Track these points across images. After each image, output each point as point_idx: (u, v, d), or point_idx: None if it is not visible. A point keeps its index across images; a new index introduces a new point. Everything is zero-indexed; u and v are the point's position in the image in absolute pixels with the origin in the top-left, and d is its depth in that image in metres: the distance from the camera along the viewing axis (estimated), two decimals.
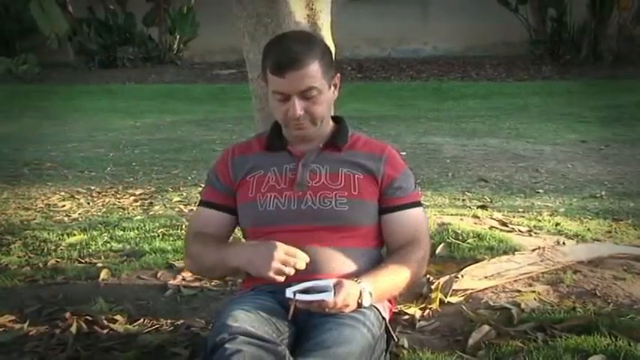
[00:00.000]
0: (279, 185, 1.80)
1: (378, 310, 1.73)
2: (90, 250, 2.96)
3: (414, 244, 1.82)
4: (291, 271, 1.64)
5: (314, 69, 1.72)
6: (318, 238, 1.75)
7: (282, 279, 1.64)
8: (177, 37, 12.81)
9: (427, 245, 1.87)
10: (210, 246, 1.81)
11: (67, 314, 2.19)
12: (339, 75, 1.85)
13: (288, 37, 1.81)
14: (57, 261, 2.82)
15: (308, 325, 1.65)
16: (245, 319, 1.55)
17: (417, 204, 1.87)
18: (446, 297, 2.20)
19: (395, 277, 1.76)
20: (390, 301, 1.87)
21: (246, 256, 1.71)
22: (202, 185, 2.05)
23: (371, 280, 1.69)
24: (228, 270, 1.80)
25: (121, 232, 3.23)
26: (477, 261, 2.46)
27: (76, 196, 4.32)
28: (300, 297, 1.60)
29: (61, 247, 3.01)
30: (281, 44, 1.76)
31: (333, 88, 1.82)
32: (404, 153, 5.35)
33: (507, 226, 3.12)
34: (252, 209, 1.82)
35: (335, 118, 1.91)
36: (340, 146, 1.85)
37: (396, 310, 2.09)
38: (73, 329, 2.08)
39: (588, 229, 3.22)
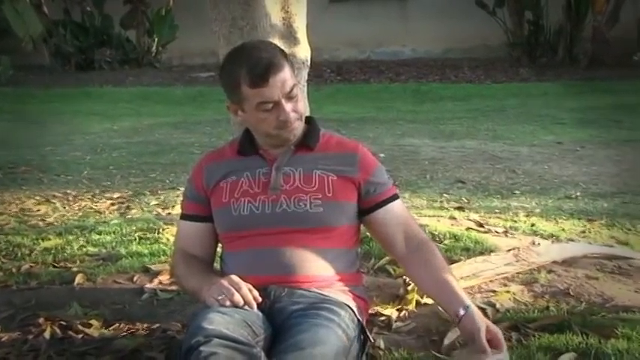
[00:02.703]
0: (253, 189, 1.81)
1: (353, 311, 1.74)
2: (65, 255, 2.92)
3: (418, 238, 1.85)
4: (224, 301, 1.62)
5: (288, 68, 1.78)
6: (293, 240, 1.76)
7: (216, 304, 1.63)
8: (156, 39, 12.74)
9: (421, 230, 1.92)
10: (193, 271, 1.83)
11: (41, 319, 2.16)
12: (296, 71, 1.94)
13: (247, 49, 1.81)
14: (31, 266, 2.78)
15: (284, 326, 1.66)
16: (220, 321, 1.54)
17: (397, 196, 1.90)
18: (422, 298, 2.21)
19: (451, 272, 1.82)
20: (365, 302, 1.88)
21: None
22: (180, 188, 2.06)
23: (463, 295, 1.72)
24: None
25: (97, 236, 3.19)
26: (453, 262, 2.47)
27: (52, 200, 4.28)
28: None
29: (36, 252, 2.97)
30: (248, 59, 1.75)
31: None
32: (382, 155, 5.37)
33: (484, 227, 3.15)
34: (226, 214, 1.82)
35: (305, 119, 1.92)
36: (312, 147, 1.86)
37: (373, 312, 2.11)
38: (47, 334, 2.06)
39: (563, 230, 3.26)
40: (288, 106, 1.76)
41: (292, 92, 1.76)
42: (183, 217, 1.94)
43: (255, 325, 1.62)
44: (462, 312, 1.67)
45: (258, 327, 1.62)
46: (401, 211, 1.88)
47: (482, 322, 1.63)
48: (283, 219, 1.77)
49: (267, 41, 1.95)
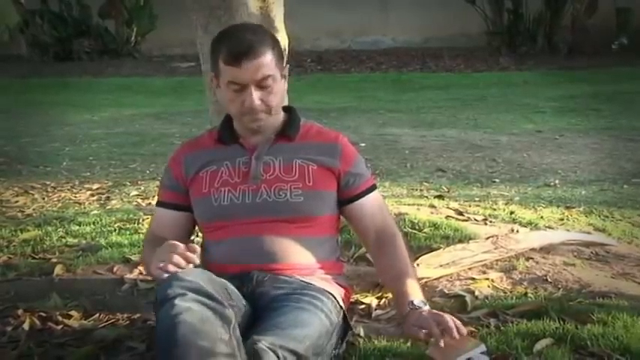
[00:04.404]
0: (233, 179, 1.80)
1: (335, 298, 1.75)
2: (44, 246, 2.90)
3: (389, 231, 1.86)
4: (166, 267, 1.55)
5: (268, 58, 1.74)
6: (274, 229, 1.76)
7: (162, 274, 1.55)
8: (135, 29, 12.61)
9: (394, 224, 1.92)
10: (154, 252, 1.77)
11: (20, 311, 2.14)
12: (288, 66, 1.87)
13: (239, 28, 1.82)
14: (10, 257, 2.76)
15: (266, 309, 1.65)
16: (198, 274, 1.53)
17: (374, 187, 1.91)
18: None
19: (412, 269, 1.84)
20: (346, 290, 1.89)
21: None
22: (161, 179, 2.04)
23: (415, 293, 1.73)
24: None
25: (77, 227, 3.17)
26: (432, 250, 2.50)
27: (31, 192, 4.25)
28: None
29: (14, 244, 2.94)
30: (233, 35, 1.76)
31: (283, 78, 1.83)
32: (363, 144, 5.39)
33: (463, 215, 3.16)
34: (206, 204, 1.82)
35: (285, 108, 1.92)
36: (292, 137, 1.86)
37: (353, 300, 2.12)
38: (26, 326, 2.04)
39: (541, 217, 3.28)
40: (255, 94, 1.73)
41: (265, 82, 1.74)
42: (160, 204, 1.93)
43: (233, 292, 1.61)
44: (407, 309, 1.70)
45: (236, 296, 1.61)
46: (377, 205, 1.89)
47: (428, 320, 1.63)
48: (264, 209, 1.77)
49: (263, 27, 1.90)
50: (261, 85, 1.74)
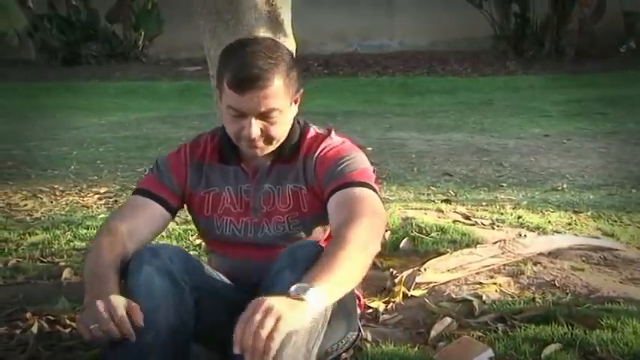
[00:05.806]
0: (235, 209, 1.76)
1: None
2: (52, 249, 2.92)
3: (352, 215, 1.54)
4: (97, 332, 1.37)
5: (278, 88, 1.58)
6: (274, 253, 1.69)
7: (87, 333, 1.39)
8: (142, 33, 12.67)
9: (372, 214, 1.56)
10: (105, 264, 1.54)
11: (28, 314, 2.15)
12: (302, 91, 1.71)
13: (252, 49, 1.60)
14: (18, 261, 2.77)
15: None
16: (172, 253, 1.58)
17: (356, 184, 1.64)
18: (409, 290, 2.22)
19: (344, 260, 1.43)
20: (358, 297, 1.88)
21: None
22: (152, 172, 1.88)
23: (314, 278, 1.38)
24: None
25: (85, 231, 3.19)
26: (439, 254, 2.49)
27: (39, 195, 4.26)
28: None
29: (23, 247, 2.96)
30: (244, 56, 1.58)
31: (294, 104, 1.69)
32: (370, 148, 5.38)
33: (470, 220, 3.15)
34: (210, 228, 1.80)
35: None
36: (289, 159, 1.75)
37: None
38: (34, 329, 2.04)
39: (549, 222, 3.28)
40: (255, 125, 1.59)
41: (268, 114, 1.59)
42: (150, 195, 1.74)
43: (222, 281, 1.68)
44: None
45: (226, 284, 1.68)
46: (349, 196, 1.61)
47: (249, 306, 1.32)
48: (265, 241, 1.75)
49: (280, 50, 1.64)
50: (263, 116, 1.60)
